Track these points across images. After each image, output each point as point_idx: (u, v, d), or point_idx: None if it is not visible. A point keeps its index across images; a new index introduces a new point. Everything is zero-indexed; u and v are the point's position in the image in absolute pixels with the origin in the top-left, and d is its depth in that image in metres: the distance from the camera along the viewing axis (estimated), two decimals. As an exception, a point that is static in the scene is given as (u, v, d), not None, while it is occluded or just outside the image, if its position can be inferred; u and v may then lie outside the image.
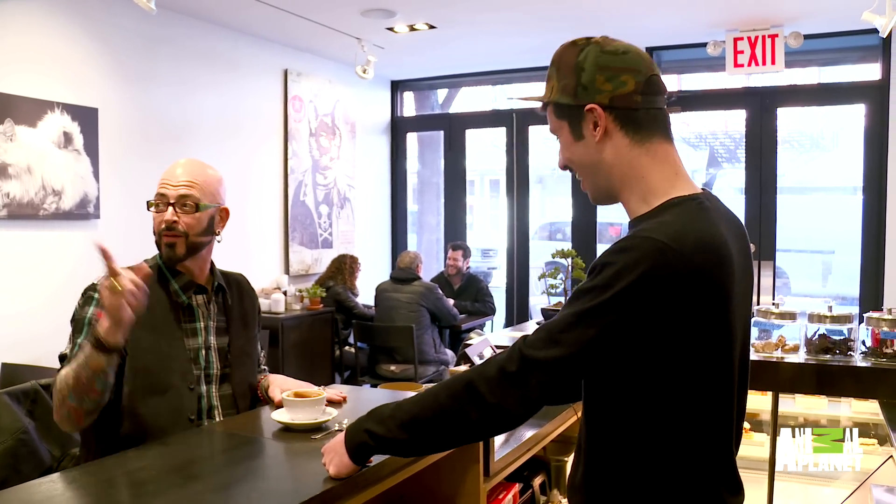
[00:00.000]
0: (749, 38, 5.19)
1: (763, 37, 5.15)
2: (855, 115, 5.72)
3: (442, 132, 7.20)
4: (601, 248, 1.10)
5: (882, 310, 2.73)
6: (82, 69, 4.24)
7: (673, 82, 6.32)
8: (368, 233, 6.89)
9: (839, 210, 7.28)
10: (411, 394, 1.39)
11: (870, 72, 5.54)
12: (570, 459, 2.45)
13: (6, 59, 3.84)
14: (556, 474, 2.49)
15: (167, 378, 1.76)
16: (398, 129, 7.23)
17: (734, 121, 6.99)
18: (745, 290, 1.22)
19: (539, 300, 5.47)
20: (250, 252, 5.48)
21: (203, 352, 1.85)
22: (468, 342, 2.73)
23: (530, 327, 3.96)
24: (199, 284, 1.88)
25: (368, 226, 6.90)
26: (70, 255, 4.12)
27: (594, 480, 1.23)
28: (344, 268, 5.76)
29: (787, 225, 6.02)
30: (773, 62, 5.15)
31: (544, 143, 6.68)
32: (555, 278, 3.55)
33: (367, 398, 2.05)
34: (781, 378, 2.66)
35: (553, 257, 3.65)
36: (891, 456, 2.79)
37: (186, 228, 1.79)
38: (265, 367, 2.11)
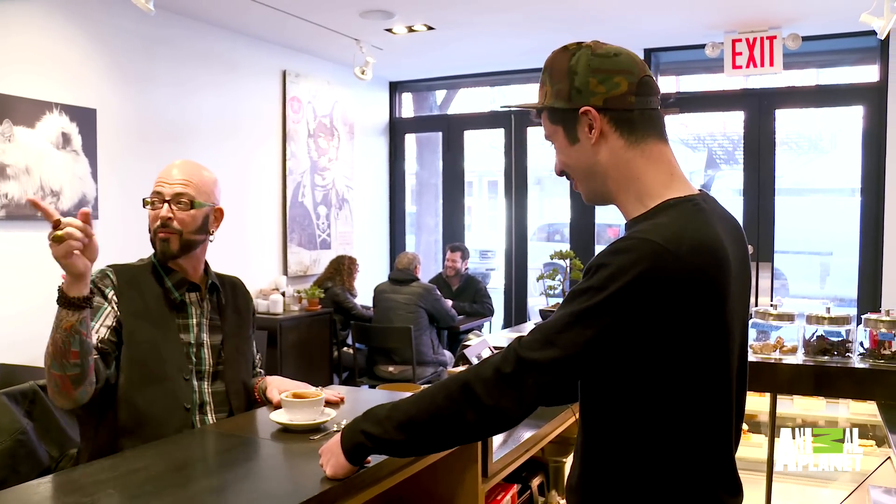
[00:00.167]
0: (747, 40, 5.19)
1: (761, 38, 5.15)
2: (853, 117, 5.73)
3: (440, 133, 7.20)
4: (599, 250, 1.09)
5: (880, 311, 2.73)
6: (81, 70, 4.24)
7: (671, 84, 6.33)
8: (367, 234, 6.89)
9: (837, 212, 7.28)
10: (409, 395, 1.39)
11: (868, 73, 5.55)
12: (568, 460, 2.46)
13: (5, 59, 3.84)
14: (555, 475, 2.49)
15: (162, 368, 1.78)
16: (396, 130, 7.23)
17: (732, 122, 7.00)
18: (742, 291, 1.22)
19: (537, 301, 5.47)
20: (249, 253, 5.48)
21: (195, 348, 1.87)
22: (466, 343, 2.74)
23: (528, 328, 3.95)
24: (193, 282, 1.91)
25: (367, 227, 6.90)
26: (68, 255, 4.11)
27: (591, 482, 1.23)
28: (342, 269, 5.76)
29: (786, 226, 6.03)
30: (771, 64, 5.15)
31: (542, 145, 6.57)
32: (553, 279, 3.55)
33: (366, 399, 2.05)
34: (779, 379, 2.66)
35: (551, 258, 3.65)
36: (889, 457, 2.79)
37: (181, 225, 1.83)
38: (261, 371, 2.11)
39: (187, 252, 1.86)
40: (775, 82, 5.67)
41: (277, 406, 1.79)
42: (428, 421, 1.21)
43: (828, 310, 2.70)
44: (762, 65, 5.17)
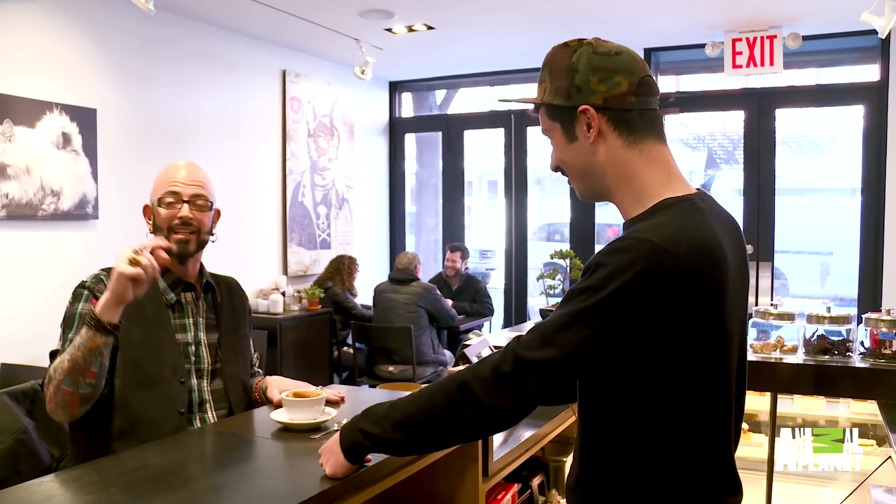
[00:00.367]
0: (747, 39, 5.19)
1: (761, 38, 5.15)
2: (853, 117, 5.72)
3: (440, 133, 7.20)
4: (599, 249, 1.10)
5: (880, 310, 2.73)
6: (81, 70, 4.24)
7: (671, 83, 6.33)
8: (367, 233, 6.89)
9: (837, 211, 7.27)
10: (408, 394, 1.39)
11: (868, 73, 5.55)
12: (568, 460, 2.46)
13: (5, 59, 3.84)
14: (555, 475, 2.49)
15: (157, 371, 1.79)
16: (396, 129, 7.23)
17: (732, 122, 6.99)
18: (740, 291, 1.22)
19: (537, 301, 5.48)
20: (248, 253, 5.48)
21: (193, 347, 1.87)
22: (466, 343, 2.74)
23: (528, 328, 3.96)
24: (188, 282, 1.92)
25: (367, 226, 6.90)
26: (69, 255, 4.12)
27: (590, 481, 1.24)
28: (342, 268, 5.76)
29: (786, 226, 6.02)
30: (771, 63, 5.15)
31: (542, 144, 6.62)
32: (553, 279, 3.55)
33: (366, 398, 2.05)
34: (780, 379, 2.66)
35: (551, 258, 3.66)
36: (889, 457, 2.78)
37: (199, 225, 1.87)
38: (260, 371, 2.12)
39: (200, 251, 1.90)
40: (775, 82, 5.67)
41: (278, 405, 1.79)
42: (426, 420, 1.21)
43: (828, 309, 2.70)
44: (762, 64, 5.17)
